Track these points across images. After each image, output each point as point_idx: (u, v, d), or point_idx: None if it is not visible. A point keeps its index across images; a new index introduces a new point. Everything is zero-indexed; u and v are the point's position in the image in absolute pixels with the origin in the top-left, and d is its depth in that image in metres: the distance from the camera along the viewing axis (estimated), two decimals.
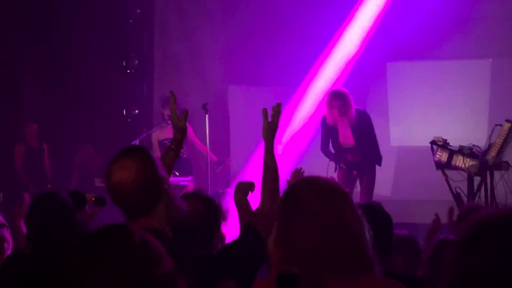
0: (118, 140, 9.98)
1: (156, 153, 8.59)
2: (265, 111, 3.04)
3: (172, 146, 2.97)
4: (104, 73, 10.37)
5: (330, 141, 7.51)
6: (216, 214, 3.13)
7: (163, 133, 8.62)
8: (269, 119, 3.04)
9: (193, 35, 10.61)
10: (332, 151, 7.55)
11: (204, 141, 8.47)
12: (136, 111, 10.68)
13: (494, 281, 1.36)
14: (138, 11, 10.75)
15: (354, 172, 7.50)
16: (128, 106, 10.71)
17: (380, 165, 7.41)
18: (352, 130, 7.36)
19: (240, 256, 2.71)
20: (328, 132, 7.46)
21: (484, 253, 1.39)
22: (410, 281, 2.60)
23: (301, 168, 4.03)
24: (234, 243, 2.85)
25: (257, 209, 2.98)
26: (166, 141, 8.49)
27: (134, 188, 2.34)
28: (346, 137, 7.42)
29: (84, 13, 10.10)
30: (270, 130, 3.05)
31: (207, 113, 8.46)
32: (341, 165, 7.45)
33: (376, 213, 3.00)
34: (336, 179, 7.10)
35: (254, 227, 2.83)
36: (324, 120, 7.49)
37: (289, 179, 3.81)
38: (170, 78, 10.73)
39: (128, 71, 10.76)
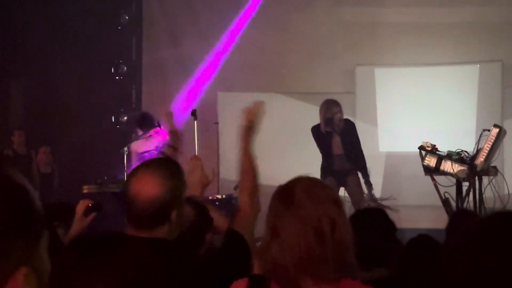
0: (107, 147, 9.94)
1: (135, 165, 8.57)
2: (247, 110, 3.00)
3: (168, 153, 2.96)
4: (93, 80, 10.34)
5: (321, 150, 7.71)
6: (206, 221, 3.10)
7: (142, 146, 8.61)
8: (250, 118, 3.00)
9: (182, 41, 10.61)
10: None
11: (193, 147, 8.45)
12: (125, 118, 10.65)
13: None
14: (127, 17, 10.74)
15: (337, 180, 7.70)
16: (116, 113, 10.69)
17: (362, 172, 7.66)
18: (341, 138, 7.59)
19: (225, 263, 2.68)
20: (323, 140, 7.70)
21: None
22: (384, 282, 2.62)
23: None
24: (219, 250, 2.81)
25: (237, 213, 2.94)
26: (145, 154, 8.46)
27: (150, 205, 2.30)
28: (337, 145, 7.65)
29: (72, 19, 10.07)
30: (250, 129, 3.00)
31: (196, 120, 8.45)
32: (328, 176, 7.64)
33: (381, 218, 3.01)
34: None
35: (236, 232, 2.79)
36: (317, 129, 7.74)
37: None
38: (158, 85, 10.72)
39: (116, 77, 10.74)
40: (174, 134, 3.11)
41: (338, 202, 1.94)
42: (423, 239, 2.95)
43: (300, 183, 1.94)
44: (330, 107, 7.72)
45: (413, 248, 3.00)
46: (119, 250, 1.48)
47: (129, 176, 2.40)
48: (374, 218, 3.01)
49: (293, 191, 1.91)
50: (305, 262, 1.82)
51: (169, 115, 3.10)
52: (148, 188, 2.31)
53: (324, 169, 7.77)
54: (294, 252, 1.82)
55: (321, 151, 7.84)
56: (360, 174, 7.75)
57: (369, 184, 7.74)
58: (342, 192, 7.66)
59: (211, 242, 3.16)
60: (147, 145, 8.52)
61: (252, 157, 2.97)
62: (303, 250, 1.82)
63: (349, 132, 7.76)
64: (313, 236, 1.83)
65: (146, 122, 8.60)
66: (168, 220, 2.34)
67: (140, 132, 8.68)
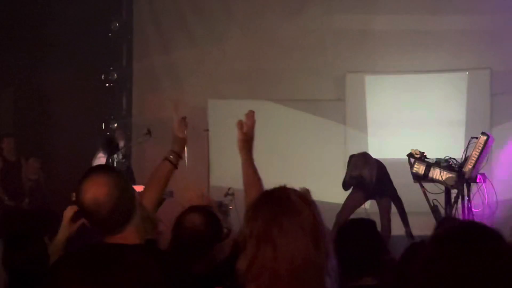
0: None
1: None
2: (240, 123, 2.96)
3: (170, 157, 2.88)
4: (83, 87, 10.33)
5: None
6: (215, 231, 3.02)
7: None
8: (244, 130, 2.99)
9: (172, 48, 10.62)
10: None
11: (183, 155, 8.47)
12: (115, 125, 10.64)
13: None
14: (117, 24, 10.75)
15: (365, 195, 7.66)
16: (106, 119, 10.68)
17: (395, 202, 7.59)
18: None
19: (229, 275, 2.68)
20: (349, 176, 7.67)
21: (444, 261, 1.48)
22: None
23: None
24: (224, 261, 2.81)
25: None
26: None
27: (110, 204, 2.32)
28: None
29: (63, 26, 10.06)
30: (247, 141, 2.97)
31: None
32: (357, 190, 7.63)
33: (370, 229, 3.04)
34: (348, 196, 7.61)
35: None
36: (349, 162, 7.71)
37: None
38: (149, 92, 10.72)
39: (107, 84, 10.74)
40: (181, 141, 3.03)
41: (319, 212, 1.93)
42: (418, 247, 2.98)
43: (291, 190, 1.91)
44: (356, 166, 7.56)
45: (406, 257, 3.03)
46: (117, 261, 1.48)
47: (78, 188, 2.38)
48: (363, 228, 3.04)
49: (288, 197, 1.87)
50: (301, 268, 1.79)
51: (182, 122, 3.04)
52: (102, 189, 2.32)
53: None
54: (290, 259, 1.78)
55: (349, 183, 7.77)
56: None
57: (404, 217, 7.52)
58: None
59: (218, 253, 3.08)
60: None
61: (255, 168, 2.96)
62: (301, 256, 1.79)
63: (379, 177, 7.55)
64: (311, 242, 1.80)
65: (109, 148, 8.79)
66: (132, 221, 2.36)
67: (100, 154, 8.83)
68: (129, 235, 2.34)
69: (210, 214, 3.05)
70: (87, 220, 2.38)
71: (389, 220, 7.48)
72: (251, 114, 2.98)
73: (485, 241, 1.54)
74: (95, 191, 2.31)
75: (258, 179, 2.94)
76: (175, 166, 2.89)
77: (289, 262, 1.78)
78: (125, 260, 1.48)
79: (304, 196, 1.90)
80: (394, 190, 7.61)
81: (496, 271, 1.47)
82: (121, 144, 9.32)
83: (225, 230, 3.05)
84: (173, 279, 2.23)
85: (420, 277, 1.50)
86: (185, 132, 2.97)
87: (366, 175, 7.45)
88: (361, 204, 7.68)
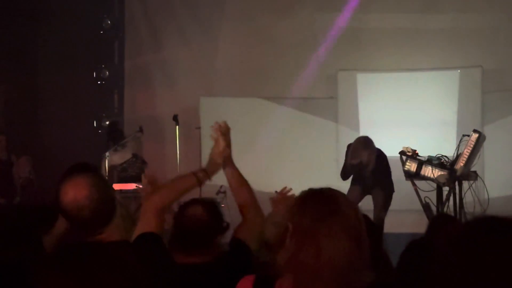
0: (89, 151, 9.91)
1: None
2: (217, 131, 2.98)
3: (199, 174, 2.84)
4: (75, 85, 10.30)
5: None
6: (217, 223, 3.03)
7: (118, 158, 8.75)
8: (225, 141, 2.96)
9: (164, 46, 10.61)
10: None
11: (175, 152, 8.47)
12: (107, 123, 10.63)
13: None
14: (109, 22, 10.73)
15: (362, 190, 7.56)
16: (98, 117, 10.66)
17: (389, 195, 7.48)
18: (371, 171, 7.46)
19: (228, 269, 2.70)
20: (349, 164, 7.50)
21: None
22: None
23: (286, 187, 3.95)
24: (223, 256, 2.83)
25: (242, 224, 2.97)
26: (123, 165, 8.58)
27: (90, 205, 2.32)
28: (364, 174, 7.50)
29: (54, 24, 10.03)
30: (228, 145, 2.98)
31: (178, 125, 8.45)
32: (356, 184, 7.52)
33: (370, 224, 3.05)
34: (346, 192, 7.35)
35: (241, 241, 2.83)
36: (346, 157, 7.55)
37: (272, 197, 3.73)
38: (141, 90, 10.70)
39: (98, 82, 10.71)
40: (217, 166, 2.97)
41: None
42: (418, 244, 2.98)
43: (338, 192, 1.94)
44: (356, 150, 7.34)
45: (409, 253, 3.03)
46: (99, 257, 1.48)
47: (58, 189, 2.36)
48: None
49: (336, 199, 1.90)
50: (343, 270, 1.81)
51: (225, 148, 3.01)
52: (82, 192, 2.32)
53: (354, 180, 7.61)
54: (334, 260, 1.81)
55: (347, 173, 7.62)
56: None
57: (386, 206, 7.45)
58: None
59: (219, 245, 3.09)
60: (121, 156, 8.66)
61: (237, 169, 2.99)
62: (345, 259, 1.81)
63: (378, 165, 7.38)
64: (355, 245, 1.84)
65: (114, 133, 8.73)
66: (115, 215, 2.36)
67: (111, 148, 8.84)
68: (110, 235, 2.35)
69: (212, 205, 3.07)
70: (68, 222, 2.38)
71: (381, 211, 7.40)
72: (224, 122, 3.01)
73: (503, 232, 1.53)
74: (75, 194, 2.31)
75: (245, 182, 3.02)
76: (199, 184, 2.85)
77: (332, 263, 1.80)
78: (108, 257, 1.49)
79: (351, 201, 1.94)
80: (391, 186, 7.46)
81: None
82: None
83: (225, 224, 3.05)
84: (157, 273, 2.24)
85: (449, 280, 1.48)
86: (222, 159, 2.95)
87: (365, 159, 7.24)
88: (359, 201, 7.59)
